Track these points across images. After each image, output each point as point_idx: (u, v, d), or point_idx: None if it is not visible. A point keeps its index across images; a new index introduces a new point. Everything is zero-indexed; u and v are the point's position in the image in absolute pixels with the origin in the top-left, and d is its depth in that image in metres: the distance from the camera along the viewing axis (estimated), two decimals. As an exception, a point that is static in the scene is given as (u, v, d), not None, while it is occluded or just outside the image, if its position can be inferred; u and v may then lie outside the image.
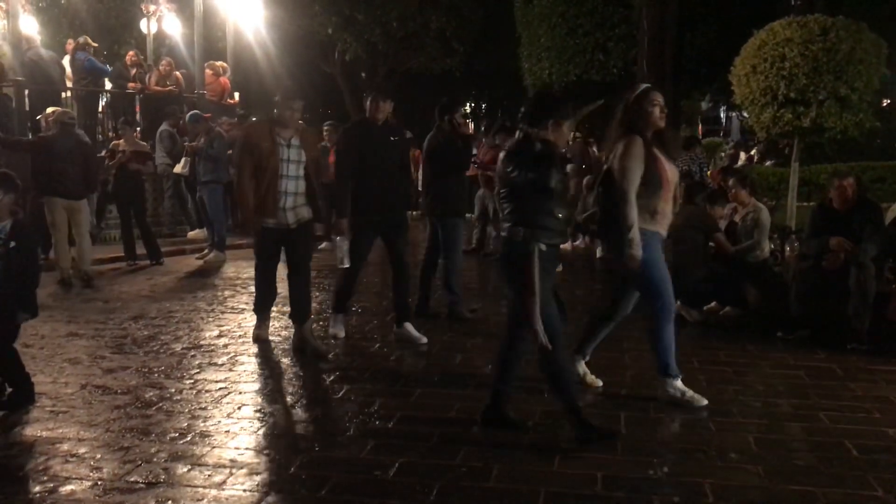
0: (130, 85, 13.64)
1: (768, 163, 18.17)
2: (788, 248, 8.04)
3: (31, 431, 4.19)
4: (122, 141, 10.41)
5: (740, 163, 18.08)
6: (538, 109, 4.08)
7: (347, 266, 5.97)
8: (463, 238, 7.29)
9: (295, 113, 5.69)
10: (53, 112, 9.76)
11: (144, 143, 10.78)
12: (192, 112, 11.35)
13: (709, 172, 11.36)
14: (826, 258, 6.10)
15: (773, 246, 7.83)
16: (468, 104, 36.67)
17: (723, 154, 21.26)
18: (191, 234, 12.39)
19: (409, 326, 6.18)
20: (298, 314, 5.90)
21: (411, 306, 6.51)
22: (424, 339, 6.09)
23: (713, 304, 7.15)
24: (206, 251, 10.64)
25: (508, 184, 4.04)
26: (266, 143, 5.61)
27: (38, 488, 3.49)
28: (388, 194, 6.02)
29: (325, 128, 11.33)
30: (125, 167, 10.08)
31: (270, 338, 6.28)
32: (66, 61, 13.27)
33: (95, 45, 13.62)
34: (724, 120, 41.42)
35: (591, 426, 4.03)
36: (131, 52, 14.63)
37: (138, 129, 13.43)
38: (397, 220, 6.16)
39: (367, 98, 6.08)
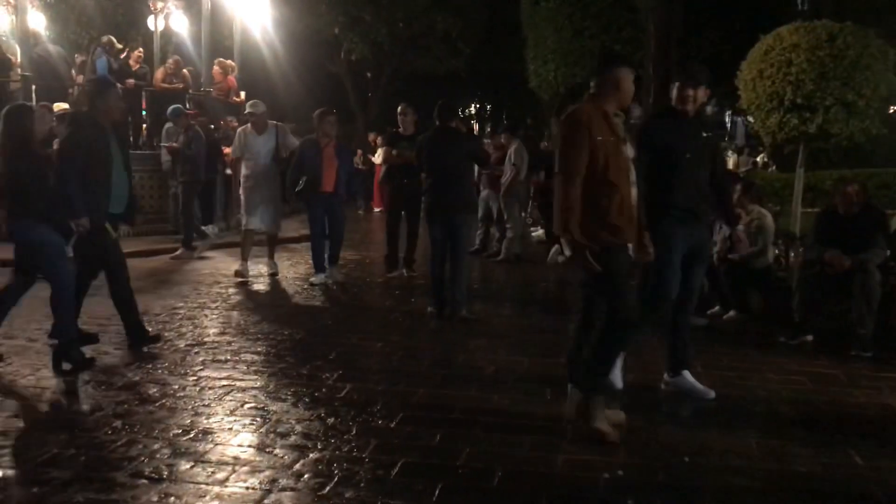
0: (129, 82, 13.57)
1: (772, 168, 18.17)
2: (793, 254, 8.03)
3: (34, 426, 4.19)
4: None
5: (745, 168, 18.08)
6: None
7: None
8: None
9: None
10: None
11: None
12: (173, 106, 11.21)
13: None
14: (827, 265, 6.10)
15: (777, 252, 7.83)
16: (473, 105, 36.71)
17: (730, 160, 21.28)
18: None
19: (689, 375, 4.98)
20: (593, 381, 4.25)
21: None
22: (712, 394, 4.86)
23: (717, 308, 7.15)
24: (178, 251, 10.51)
25: None
26: (608, 137, 3.99)
27: (38, 485, 3.49)
28: (702, 204, 4.75)
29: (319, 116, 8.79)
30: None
31: (272, 335, 6.28)
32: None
33: (119, 46, 13.63)
34: (728, 124, 41.42)
35: None
36: (138, 51, 14.64)
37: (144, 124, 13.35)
38: (705, 236, 4.97)
39: (673, 84, 4.74)
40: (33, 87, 11.71)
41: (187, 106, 13.60)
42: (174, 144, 10.41)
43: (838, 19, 8.76)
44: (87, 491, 3.41)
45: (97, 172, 5.58)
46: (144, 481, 3.51)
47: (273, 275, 9.05)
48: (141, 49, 14.64)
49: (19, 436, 4.07)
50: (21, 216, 5.26)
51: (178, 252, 10.46)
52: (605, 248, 3.99)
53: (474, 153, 7.33)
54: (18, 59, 11.75)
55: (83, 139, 5.59)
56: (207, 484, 3.52)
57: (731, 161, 19.59)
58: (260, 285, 8.64)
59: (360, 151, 18.34)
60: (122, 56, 13.79)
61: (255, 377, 5.19)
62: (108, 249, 5.78)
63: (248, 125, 9.07)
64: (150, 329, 6.11)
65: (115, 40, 13.59)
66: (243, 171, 8.99)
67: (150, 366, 5.36)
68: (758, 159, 19.80)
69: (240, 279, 8.77)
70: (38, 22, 13.69)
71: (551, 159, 4.93)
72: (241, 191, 9.19)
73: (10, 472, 3.60)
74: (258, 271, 9.27)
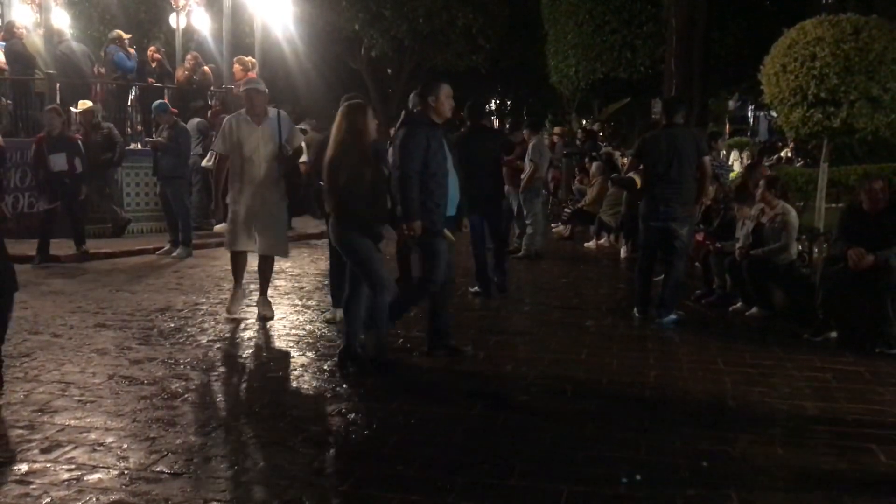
0: (149, 81, 13.60)
1: (798, 163, 17.98)
2: (816, 250, 7.95)
3: (59, 420, 4.24)
4: None
5: (768, 163, 17.90)
6: None
7: None
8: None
9: None
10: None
11: None
12: (159, 101, 11.13)
13: (732, 175, 11.19)
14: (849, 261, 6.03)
15: (800, 248, 7.75)
16: (493, 100, 36.64)
17: (745, 154, 21.09)
18: (217, 227, 12.45)
19: None
20: None
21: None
22: None
23: (739, 304, 7.09)
24: (167, 247, 10.43)
25: None
26: None
27: (65, 476, 3.54)
28: None
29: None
30: None
31: (294, 331, 6.31)
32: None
33: (128, 36, 13.70)
34: (751, 119, 41.06)
35: None
36: (153, 47, 14.72)
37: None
38: None
39: None
40: (57, 84, 11.83)
41: (210, 103, 13.69)
42: (159, 139, 10.36)
43: (863, 12, 8.65)
44: (111, 483, 3.46)
45: (434, 173, 5.26)
46: (167, 475, 3.55)
47: (265, 319, 6.68)
48: (153, 47, 14.69)
49: (45, 431, 4.12)
50: (340, 217, 5.07)
51: (175, 252, 10.27)
52: None
53: (504, 144, 8.43)
54: (42, 57, 11.84)
55: (422, 139, 5.24)
56: (229, 479, 3.55)
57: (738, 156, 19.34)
58: (280, 281, 8.68)
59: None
60: (130, 46, 13.77)
61: (277, 373, 5.22)
62: (436, 255, 5.36)
63: (242, 111, 6.75)
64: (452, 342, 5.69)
65: (122, 33, 13.55)
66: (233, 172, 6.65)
67: (172, 361, 5.41)
68: (782, 154, 19.61)
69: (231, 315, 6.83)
70: (61, 20, 13.80)
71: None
72: (227, 199, 6.73)
73: (36, 466, 3.65)
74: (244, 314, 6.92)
